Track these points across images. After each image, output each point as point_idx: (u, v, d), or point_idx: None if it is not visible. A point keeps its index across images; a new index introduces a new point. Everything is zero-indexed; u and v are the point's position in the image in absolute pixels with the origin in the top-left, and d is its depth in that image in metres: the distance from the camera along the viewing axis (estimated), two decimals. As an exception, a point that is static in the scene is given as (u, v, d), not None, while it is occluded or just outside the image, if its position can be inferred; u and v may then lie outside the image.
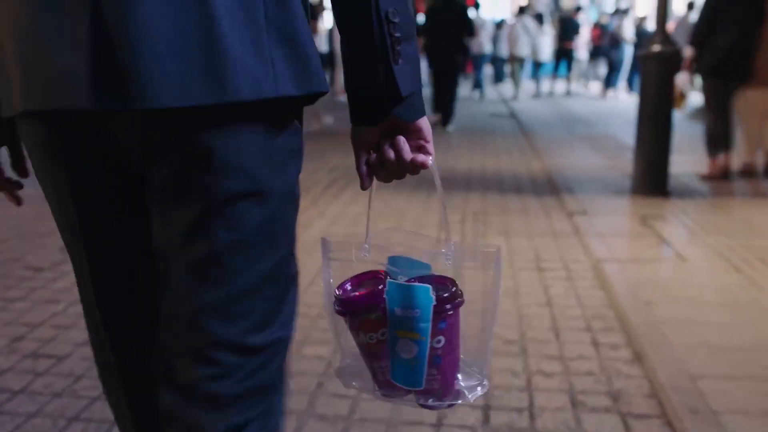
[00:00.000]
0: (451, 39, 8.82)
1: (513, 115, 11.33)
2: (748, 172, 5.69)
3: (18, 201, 1.23)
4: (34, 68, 0.88)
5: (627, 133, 8.48)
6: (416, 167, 1.03)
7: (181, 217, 0.94)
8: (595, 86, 16.74)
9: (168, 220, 0.95)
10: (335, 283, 1.06)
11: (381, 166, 1.04)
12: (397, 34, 0.96)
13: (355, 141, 1.05)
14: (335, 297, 1.04)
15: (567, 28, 15.58)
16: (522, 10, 15.12)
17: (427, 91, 9.96)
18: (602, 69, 16.31)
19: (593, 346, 2.66)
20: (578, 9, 16.92)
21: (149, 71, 0.83)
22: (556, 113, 11.73)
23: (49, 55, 0.86)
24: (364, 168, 1.04)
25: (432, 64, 9.13)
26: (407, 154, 1.02)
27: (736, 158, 5.79)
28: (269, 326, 0.99)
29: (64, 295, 3.14)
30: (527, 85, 15.89)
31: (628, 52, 14.90)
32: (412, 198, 4.99)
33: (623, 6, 16.96)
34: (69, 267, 3.64)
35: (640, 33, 14.14)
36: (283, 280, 1.01)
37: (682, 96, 6.00)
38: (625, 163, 6.41)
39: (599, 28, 16.30)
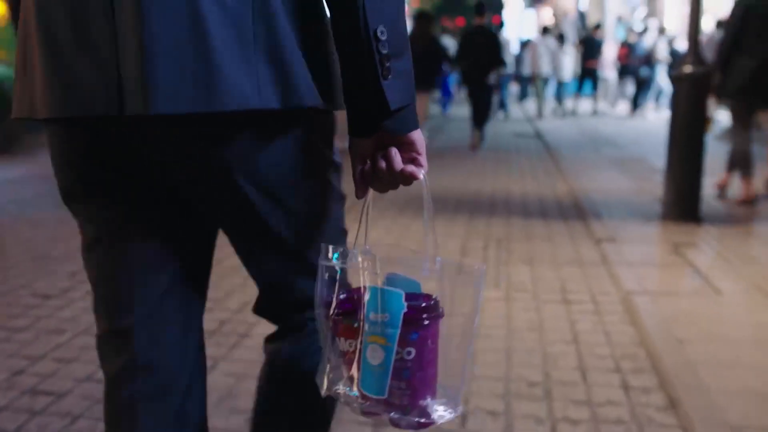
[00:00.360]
0: (485, 63, 9.36)
1: (538, 135, 11.15)
2: None
3: None
4: (57, 76, 0.98)
5: (656, 155, 8.26)
6: (407, 178, 1.07)
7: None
8: (623, 106, 16.50)
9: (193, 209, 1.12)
10: (330, 289, 1.09)
11: (375, 177, 1.09)
12: (386, 51, 1.00)
13: (352, 152, 1.10)
14: (325, 300, 1.08)
15: (589, 47, 15.57)
16: (546, 30, 15.38)
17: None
18: (630, 88, 16.08)
19: (623, 390, 2.48)
20: (597, 27, 16.76)
21: (150, 83, 0.94)
22: (583, 133, 11.53)
23: (70, 66, 0.97)
24: (359, 178, 1.10)
25: (467, 86, 9.73)
26: (398, 165, 1.06)
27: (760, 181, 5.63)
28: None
29: (70, 325, 3.03)
30: (551, 104, 15.75)
31: (661, 72, 14.68)
32: (418, 215, 4.83)
33: (651, 25, 16.71)
34: (77, 294, 3.58)
35: (673, 52, 13.91)
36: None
37: (709, 119, 5.81)
38: (654, 187, 6.21)
39: (627, 47, 16.07)
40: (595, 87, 15.86)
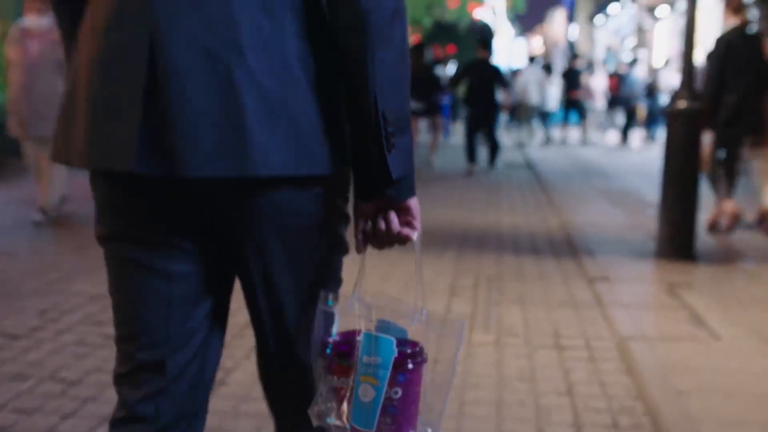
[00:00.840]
0: (488, 92, 10.01)
1: (529, 166, 11.08)
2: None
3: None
4: (97, 132, 1.13)
5: (646, 187, 8.19)
6: (402, 239, 1.23)
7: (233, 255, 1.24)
8: (613, 136, 16.51)
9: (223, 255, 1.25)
10: (326, 331, 1.21)
11: (374, 235, 1.24)
12: (391, 130, 1.16)
13: (355, 211, 1.25)
14: (320, 341, 1.20)
15: (571, 78, 15.65)
16: (533, 60, 15.69)
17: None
18: (620, 118, 16.09)
19: (621, 449, 2.33)
20: (575, 57, 16.87)
21: (188, 149, 1.09)
22: (573, 163, 11.47)
23: (112, 125, 1.11)
24: (360, 235, 1.25)
25: (471, 114, 10.27)
26: (396, 227, 1.22)
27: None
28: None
29: (36, 370, 2.85)
30: (540, 133, 15.76)
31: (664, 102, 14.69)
32: (404, 251, 4.69)
33: (641, 56, 16.80)
34: (46, 334, 3.40)
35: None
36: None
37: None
38: (646, 221, 6.10)
39: (617, 78, 16.11)
40: (581, 116, 15.86)
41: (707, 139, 5.35)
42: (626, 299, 3.91)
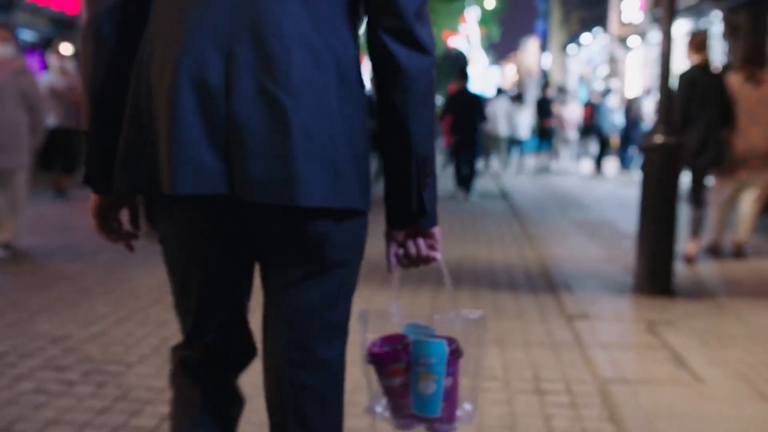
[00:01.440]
0: (470, 121, 10.61)
1: (504, 196, 11.06)
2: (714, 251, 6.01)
3: (131, 248, 1.62)
4: (184, 162, 1.30)
5: (622, 218, 8.19)
6: (428, 260, 1.50)
7: (288, 276, 1.44)
8: (586, 165, 16.61)
9: (278, 278, 1.46)
10: (370, 339, 1.50)
11: (404, 257, 1.50)
12: (426, 173, 1.42)
13: (387, 237, 1.50)
14: (369, 352, 1.48)
15: (543, 107, 15.89)
16: (500, 92, 15.91)
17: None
18: (593, 147, 16.20)
19: (607, 506, 2.23)
20: (546, 85, 17.14)
21: (254, 178, 1.31)
22: (548, 193, 11.48)
23: (197, 154, 1.30)
24: (393, 258, 1.50)
25: (455, 141, 10.76)
26: (424, 251, 1.49)
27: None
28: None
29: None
30: (515, 163, 15.83)
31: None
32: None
33: (614, 86, 16.99)
34: (2, 381, 3.19)
35: (631, 114, 14.04)
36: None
37: None
38: (622, 254, 6.07)
39: (590, 107, 16.25)
40: (549, 144, 16.08)
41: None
42: (606, 338, 3.83)
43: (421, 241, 1.47)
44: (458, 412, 1.49)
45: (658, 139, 4.65)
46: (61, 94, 8.71)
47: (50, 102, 8.49)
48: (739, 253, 5.99)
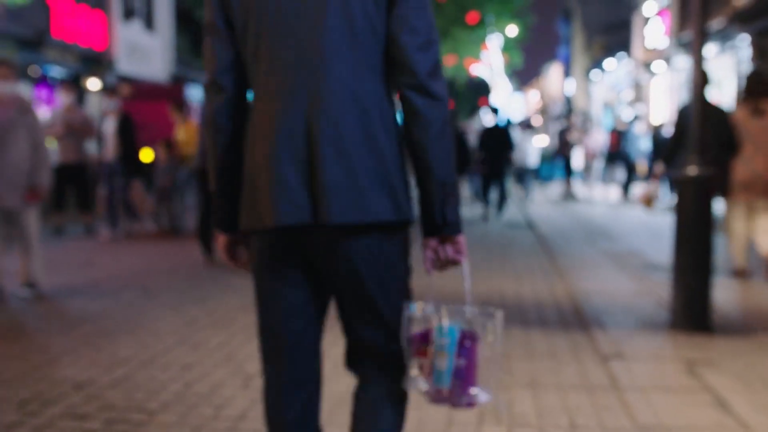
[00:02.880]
0: (500, 149, 12.10)
1: (530, 226, 10.91)
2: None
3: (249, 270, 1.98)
4: (280, 197, 1.75)
5: (651, 247, 8.01)
6: (455, 263, 1.86)
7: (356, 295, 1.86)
8: (613, 192, 16.40)
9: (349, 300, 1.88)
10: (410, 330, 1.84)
11: (437, 260, 1.86)
12: (447, 191, 1.79)
13: (424, 245, 1.85)
14: (406, 336, 1.83)
15: (564, 136, 16.51)
16: (508, 123, 16.17)
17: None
18: (620, 174, 16.02)
19: None
20: (570, 112, 17.31)
21: (332, 207, 1.73)
22: (575, 222, 11.31)
23: (289, 190, 1.75)
24: (429, 261, 1.86)
25: (487, 170, 12.08)
26: (451, 255, 1.85)
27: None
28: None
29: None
30: (536, 191, 15.86)
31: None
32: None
33: (640, 112, 16.84)
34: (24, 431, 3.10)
35: (658, 141, 13.83)
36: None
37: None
38: (655, 287, 5.91)
39: (617, 134, 16.09)
40: (568, 173, 16.40)
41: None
42: (643, 381, 3.68)
43: (449, 247, 1.83)
44: (471, 391, 1.76)
45: (692, 171, 4.52)
46: (78, 129, 8.82)
47: (68, 138, 8.66)
48: None
